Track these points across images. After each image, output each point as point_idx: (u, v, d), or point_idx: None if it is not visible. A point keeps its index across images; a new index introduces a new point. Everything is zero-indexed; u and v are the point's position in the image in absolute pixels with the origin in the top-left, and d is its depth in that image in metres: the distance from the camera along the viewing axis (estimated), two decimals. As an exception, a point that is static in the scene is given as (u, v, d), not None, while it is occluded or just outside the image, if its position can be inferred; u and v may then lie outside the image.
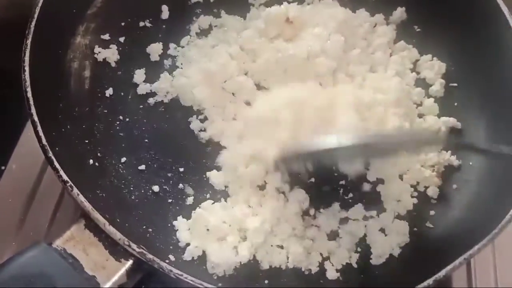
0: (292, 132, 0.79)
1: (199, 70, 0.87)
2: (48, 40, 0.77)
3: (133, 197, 0.78)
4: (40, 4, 0.76)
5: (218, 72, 0.87)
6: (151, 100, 0.87)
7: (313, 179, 0.81)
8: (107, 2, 0.88)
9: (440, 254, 0.70)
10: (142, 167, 0.81)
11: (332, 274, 0.74)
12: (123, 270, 0.63)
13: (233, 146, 0.82)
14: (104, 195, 0.73)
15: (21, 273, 0.60)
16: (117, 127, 0.84)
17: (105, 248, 0.64)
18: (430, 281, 0.63)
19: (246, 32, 0.91)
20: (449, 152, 0.83)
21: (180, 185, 0.80)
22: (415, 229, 0.78)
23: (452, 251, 0.66)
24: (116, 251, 0.63)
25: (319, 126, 0.79)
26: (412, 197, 0.80)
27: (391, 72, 0.89)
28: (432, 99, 0.89)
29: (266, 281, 0.73)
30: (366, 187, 0.81)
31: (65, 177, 0.65)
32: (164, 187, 0.80)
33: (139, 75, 0.88)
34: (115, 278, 0.63)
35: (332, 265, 0.75)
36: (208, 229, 0.74)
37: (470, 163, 0.82)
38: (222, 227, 0.75)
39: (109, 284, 0.62)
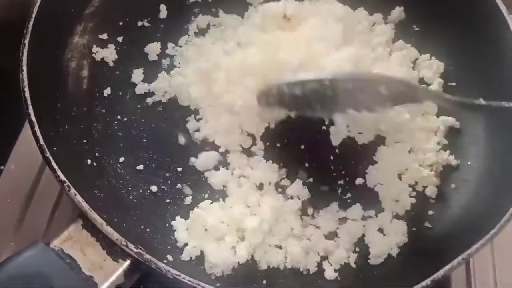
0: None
1: (196, 69, 0.87)
2: (46, 40, 0.77)
3: (131, 197, 0.78)
4: (38, 4, 0.77)
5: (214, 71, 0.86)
6: (149, 100, 0.87)
7: (311, 179, 0.81)
8: (105, 1, 0.88)
9: (438, 254, 0.70)
10: (140, 167, 0.81)
11: (330, 274, 0.74)
12: (120, 270, 0.63)
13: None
14: (102, 195, 0.73)
15: (19, 273, 0.61)
16: (115, 127, 0.84)
17: (102, 248, 0.64)
18: (428, 281, 0.63)
19: (242, 27, 0.91)
20: (448, 151, 0.83)
21: (178, 185, 0.80)
22: (414, 229, 0.77)
23: (450, 251, 0.66)
24: (114, 251, 0.63)
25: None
26: (411, 197, 0.80)
27: (393, 66, 0.89)
28: (432, 99, 0.88)
29: (264, 281, 0.73)
30: (365, 187, 0.81)
31: (62, 177, 0.65)
32: (162, 187, 0.80)
33: (137, 74, 0.88)
34: (113, 278, 0.63)
35: (331, 265, 0.74)
36: (206, 229, 0.74)
37: (469, 163, 0.82)
38: (220, 227, 0.74)
39: (106, 284, 0.62)
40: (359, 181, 0.82)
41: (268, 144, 0.84)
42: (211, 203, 0.78)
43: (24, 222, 0.85)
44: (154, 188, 0.79)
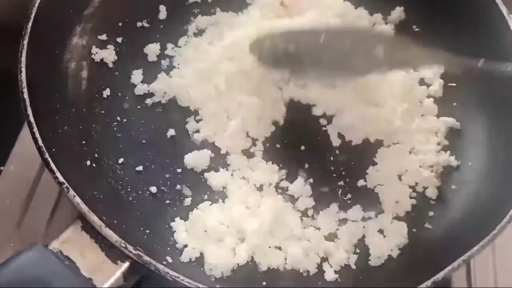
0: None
1: (195, 70, 0.87)
2: (45, 41, 0.77)
3: (130, 199, 0.77)
4: (36, 5, 0.76)
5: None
6: (148, 101, 0.87)
7: (311, 180, 0.81)
8: (104, 2, 0.88)
9: (439, 256, 0.70)
10: (140, 168, 0.80)
11: (330, 275, 0.73)
12: (119, 272, 0.63)
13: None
14: (101, 196, 0.73)
15: (18, 275, 0.60)
16: (115, 128, 0.84)
17: (101, 250, 0.64)
18: (428, 282, 0.63)
19: (239, 18, 0.91)
20: (448, 152, 0.83)
21: (178, 186, 0.80)
22: (414, 230, 0.77)
23: (451, 253, 0.66)
24: (113, 253, 0.63)
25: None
26: (411, 198, 0.80)
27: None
28: (431, 99, 0.88)
29: (264, 283, 0.72)
30: (365, 188, 0.81)
31: (61, 179, 0.65)
32: (161, 188, 0.79)
33: (136, 75, 0.88)
34: (112, 280, 0.62)
35: (331, 267, 0.74)
36: (205, 231, 0.74)
37: (469, 164, 0.81)
38: (220, 229, 0.74)
39: (105, 286, 0.62)
40: (359, 182, 0.82)
41: (268, 145, 0.84)
42: (211, 204, 0.77)
43: (23, 223, 0.84)
44: (153, 189, 0.79)
